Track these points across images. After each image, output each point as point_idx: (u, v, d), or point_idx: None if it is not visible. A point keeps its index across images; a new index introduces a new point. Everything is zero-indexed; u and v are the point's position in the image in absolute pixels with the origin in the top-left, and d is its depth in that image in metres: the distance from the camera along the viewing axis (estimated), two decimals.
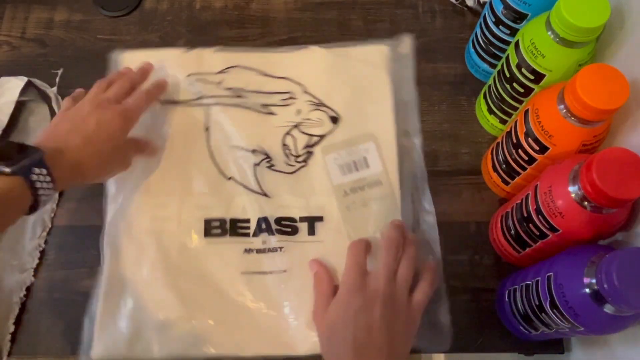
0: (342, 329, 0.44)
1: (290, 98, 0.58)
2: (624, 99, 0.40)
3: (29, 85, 0.59)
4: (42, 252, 0.55)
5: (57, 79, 0.61)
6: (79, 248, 0.55)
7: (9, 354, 0.52)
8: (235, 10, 0.66)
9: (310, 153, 0.57)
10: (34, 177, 0.43)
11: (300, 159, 0.57)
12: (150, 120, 0.57)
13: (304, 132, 0.57)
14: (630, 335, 0.43)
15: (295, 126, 0.58)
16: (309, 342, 0.50)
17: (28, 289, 0.54)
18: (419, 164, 0.57)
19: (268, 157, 0.56)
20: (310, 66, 0.60)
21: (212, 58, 0.61)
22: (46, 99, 0.59)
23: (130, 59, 0.60)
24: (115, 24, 0.66)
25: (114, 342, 0.50)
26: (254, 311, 0.51)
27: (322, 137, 0.57)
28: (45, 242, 0.56)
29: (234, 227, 0.54)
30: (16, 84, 0.58)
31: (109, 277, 0.52)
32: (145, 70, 0.57)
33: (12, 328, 0.52)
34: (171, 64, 0.60)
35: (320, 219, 0.54)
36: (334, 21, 0.65)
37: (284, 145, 0.57)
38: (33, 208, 0.45)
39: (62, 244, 0.56)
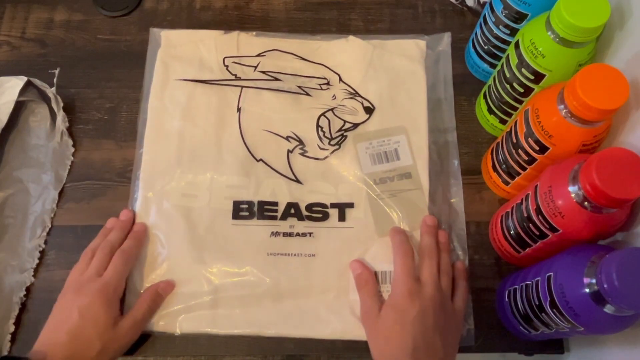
0: (400, 335, 0.45)
1: (327, 84, 0.59)
2: (624, 99, 0.40)
3: (28, 85, 0.59)
4: (42, 252, 0.55)
5: (55, 79, 0.61)
6: (79, 248, 0.55)
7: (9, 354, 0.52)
8: (235, 10, 0.66)
9: (344, 137, 0.58)
10: None
11: (333, 142, 0.58)
12: (185, 100, 0.59)
13: (338, 117, 0.59)
14: (630, 335, 0.43)
15: (330, 110, 0.59)
16: (331, 326, 0.51)
17: (28, 289, 0.54)
18: (453, 163, 0.58)
19: (301, 143, 0.57)
20: (347, 56, 0.61)
21: (250, 41, 0.62)
22: (46, 98, 0.59)
23: (168, 38, 0.62)
24: (115, 24, 0.66)
25: None
26: (278, 291, 0.52)
27: (355, 125, 0.58)
28: (45, 242, 0.56)
29: (262, 210, 0.55)
30: (16, 83, 0.58)
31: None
32: (125, 225, 0.54)
33: (12, 328, 0.52)
34: (208, 44, 0.61)
35: (351, 205, 0.55)
36: (334, 21, 0.65)
37: (319, 126, 0.58)
38: None
39: (62, 244, 0.56)
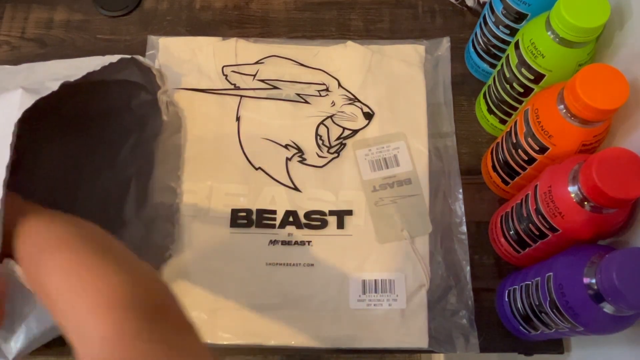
0: None
1: (326, 90, 0.59)
2: (624, 99, 0.40)
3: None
4: None
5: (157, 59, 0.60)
6: None
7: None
8: (235, 10, 0.66)
9: (343, 145, 0.58)
10: None
11: (332, 150, 0.57)
12: (183, 108, 0.58)
13: (337, 124, 0.58)
14: (630, 335, 0.43)
15: (329, 117, 0.58)
16: (332, 336, 0.51)
17: None
18: (453, 167, 0.58)
19: (300, 151, 0.57)
20: (346, 61, 0.61)
21: (248, 48, 0.61)
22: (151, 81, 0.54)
23: (166, 46, 0.62)
24: (115, 24, 0.66)
25: None
26: (278, 302, 0.52)
27: (355, 131, 0.58)
28: None
29: (260, 218, 0.55)
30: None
31: None
32: None
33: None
34: (206, 52, 0.61)
35: (349, 212, 0.55)
36: (334, 21, 0.65)
37: (317, 135, 0.58)
38: None
39: None
